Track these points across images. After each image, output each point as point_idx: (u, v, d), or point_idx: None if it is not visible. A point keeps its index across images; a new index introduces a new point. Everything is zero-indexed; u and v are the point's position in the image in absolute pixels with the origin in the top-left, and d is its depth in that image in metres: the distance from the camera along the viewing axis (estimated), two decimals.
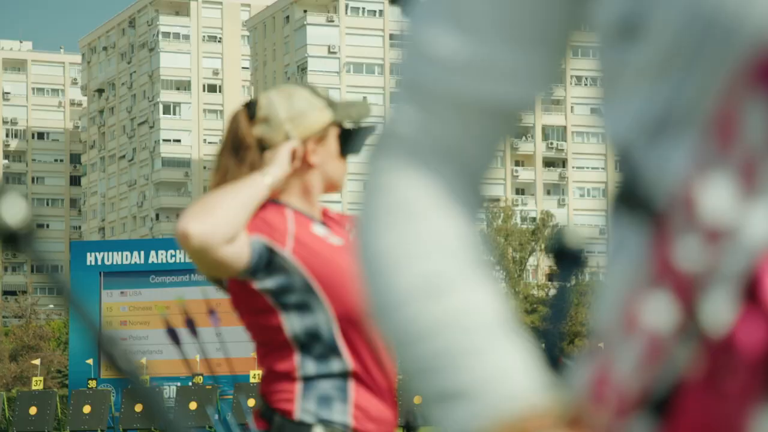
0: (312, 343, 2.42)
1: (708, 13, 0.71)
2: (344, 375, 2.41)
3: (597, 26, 0.85)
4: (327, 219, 2.58)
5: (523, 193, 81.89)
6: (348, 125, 2.54)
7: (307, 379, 2.41)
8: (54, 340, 48.85)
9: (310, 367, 2.41)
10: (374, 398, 2.44)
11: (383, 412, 2.46)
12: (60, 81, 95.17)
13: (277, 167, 2.43)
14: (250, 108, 2.51)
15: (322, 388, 2.41)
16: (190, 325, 3.06)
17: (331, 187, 2.55)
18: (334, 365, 2.41)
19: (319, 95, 2.55)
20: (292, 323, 2.42)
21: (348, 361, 2.41)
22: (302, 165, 2.50)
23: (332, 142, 2.52)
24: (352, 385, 2.42)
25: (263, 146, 2.48)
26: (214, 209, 2.34)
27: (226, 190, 2.39)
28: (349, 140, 2.53)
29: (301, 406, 2.41)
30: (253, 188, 2.39)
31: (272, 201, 2.49)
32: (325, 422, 2.40)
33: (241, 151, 2.47)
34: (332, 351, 2.41)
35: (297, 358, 2.41)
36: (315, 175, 2.52)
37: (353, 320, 2.41)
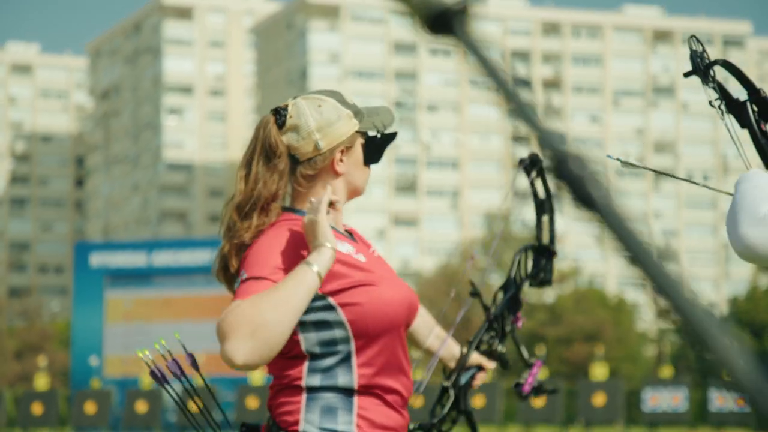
0: (324, 355, 2.39)
1: None
2: (349, 391, 2.39)
3: None
4: (352, 232, 2.57)
5: (521, 199, 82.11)
6: (373, 133, 2.53)
7: (311, 390, 2.39)
8: (58, 341, 49.31)
9: (316, 378, 2.38)
10: (382, 405, 2.42)
11: (391, 418, 2.43)
12: (66, 85, 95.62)
13: (323, 254, 2.32)
14: (279, 115, 2.48)
15: (326, 399, 2.38)
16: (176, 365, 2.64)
17: (354, 193, 2.52)
18: (340, 379, 2.38)
19: (346, 103, 2.54)
20: (308, 338, 2.38)
21: (355, 377, 2.39)
22: (329, 173, 2.48)
23: (358, 150, 2.51)
24: (356, 398, 2.39)
25: (292, 155, 2.47)
26: (263, 329, 2.21)
27: (275, 297, 2.25)
28: (373, 149, 2.52)
29: (305, 417, 2.39)
30: (303, 287, 2.28)
31: (297, 211, 2.49)
32: None
33: (273, 159, 2.44)
34: (342, 365, 2.38)
35: (305, 367, 2.39)
36: (340, 183, 2.49)
37: (372, 335, 2.39)
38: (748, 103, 2.62)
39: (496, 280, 57.91)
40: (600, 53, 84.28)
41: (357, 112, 2.52)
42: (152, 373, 2.51)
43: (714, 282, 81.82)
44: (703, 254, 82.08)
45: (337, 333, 2.37)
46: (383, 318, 2.40)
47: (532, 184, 3.12)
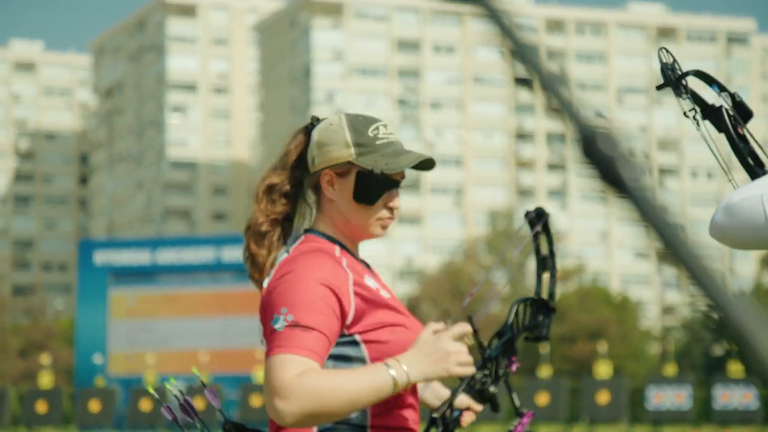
0: None
1: None
2: (361, 428, 2.35)
3: None
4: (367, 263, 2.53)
5: (525, 197, 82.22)
6: (376, 171, 2.40)
7: (324, 429, 2.34)
8: (62, 339, 49.36)
9: None
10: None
11: None
12: (69, 82, 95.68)
13: (413, 370, 2.27)
14: (312, 124, 2.50)
15: None
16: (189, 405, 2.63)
17: (354, 230, 2.42)
18: (354, 415, 2.34)
19: (361, 132, 2.43)
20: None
21: (369, 416, 2.35)
22: (325, 198, 2.44)
23: (350, 182, 2.41)
24: None
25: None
26: (320, 415, 2.20)
27: (346, 393, 2.20)
28: (363, 185, 2.40)
29: None
30: (374, 394, 2.23)
31: (317, 233, 2.44)
32: None
33: (285, 155, 2.48)
34: None
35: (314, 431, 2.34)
36: (335, 211, 2.43)
37: None
38: (724, 109, 2.63)
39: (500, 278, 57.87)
40: (604, 50, 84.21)
41: (365, 145, 2.42)
42: (167, 409, 2.54)
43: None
44: (708, 251, 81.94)
45: (356, 365, 2.34)
46: None
47: (536, 238, 3.03)
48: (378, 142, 2.43)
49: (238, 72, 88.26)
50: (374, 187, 2.40)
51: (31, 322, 54.16)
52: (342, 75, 78.69)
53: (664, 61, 2.67)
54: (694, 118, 2.61)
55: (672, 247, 0.95)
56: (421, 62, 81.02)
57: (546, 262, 3.15)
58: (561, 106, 0.94)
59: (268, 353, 2.23)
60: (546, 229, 3.08)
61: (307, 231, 2.44)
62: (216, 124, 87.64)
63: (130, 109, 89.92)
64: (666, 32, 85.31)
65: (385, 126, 2.47)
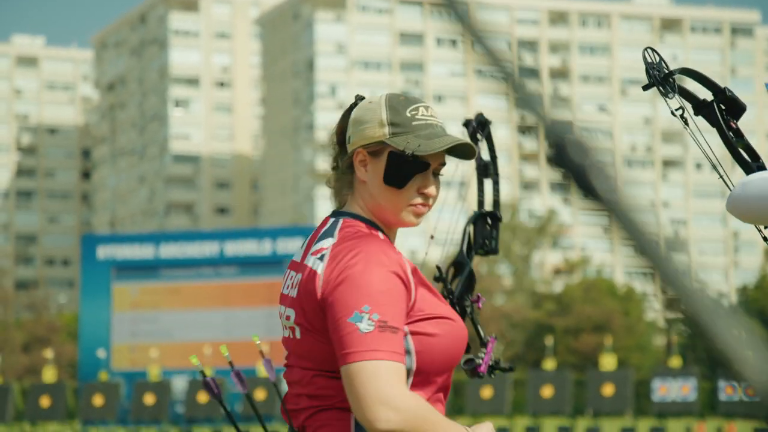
0: None
1: None
2: None
3: None
4: None
5: (528, 190, 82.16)
6: (407, 152, 2.29)
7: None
8: (65, 333, 49.39)
9: None
10: None
11: None
12: (72, 77, 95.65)
13: None
14: (355, 103, 2.43)
15: None
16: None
17: (386, 215, 2.32)
18: None
19: (399, 112, 2.32)
20: None
21: None
22: (356, 178, 2.36)
23: (382, 163, 2.30)
24: None
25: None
26: (419, 431, 2.13)
27: (444, 426, 2.17)
28: (393, 166, 2.29)
29: None
30: None
31: (360, 218, 2.34)
32: None
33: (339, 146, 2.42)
34: None
35: (353, 424, 2.27)
36: (366, 193, 2.34)
37: (434, 372, 2.28)
38: (715, 104, 2.61)
39: (504, 270, 57.83)
40: (607, 42, 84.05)
41: (400, 125, 2.31)
42: (206, 384, 2.87)
43: (723, 271, 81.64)
44: (713, 243, 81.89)
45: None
46: (451, 355, 2.29)
47: (477, 143, 3.06)
48: (415, 123, 2.32)
49: (241, 65, 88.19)
50: (405, 169, 2.29)
51: (34, 316, 54.18)
52: (345, 68, 78.58)
53: (649, 60, 2.65)
54: (681, 116, 2.57)
55: (644, 249, 0.95)
56: (424, 55, 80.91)
57: (488, 168, 3.21)
58: (539, 120, 0.97)
59: (358, 357, 2.12)
60: (488, 137, 3.11)
61: (339, 214, 2.36)
62: (219, 117, 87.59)
63: (133, 104, 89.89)
64: (670, 24, 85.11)
65: (426, 108, 2.35)
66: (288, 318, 2.31)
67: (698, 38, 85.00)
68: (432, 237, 2.89)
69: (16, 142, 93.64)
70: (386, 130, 2.31)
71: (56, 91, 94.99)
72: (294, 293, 2.29)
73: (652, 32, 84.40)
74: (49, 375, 23.29)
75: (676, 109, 2.59)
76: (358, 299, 2.16)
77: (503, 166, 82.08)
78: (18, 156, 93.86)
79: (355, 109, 2.38)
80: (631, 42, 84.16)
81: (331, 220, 2.35)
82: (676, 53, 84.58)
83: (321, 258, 2.25)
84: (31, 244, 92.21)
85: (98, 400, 21.53)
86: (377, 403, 2.09)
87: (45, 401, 22.18)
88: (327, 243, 2.27)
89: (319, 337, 2.24)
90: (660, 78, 2.59)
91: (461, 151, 2.36)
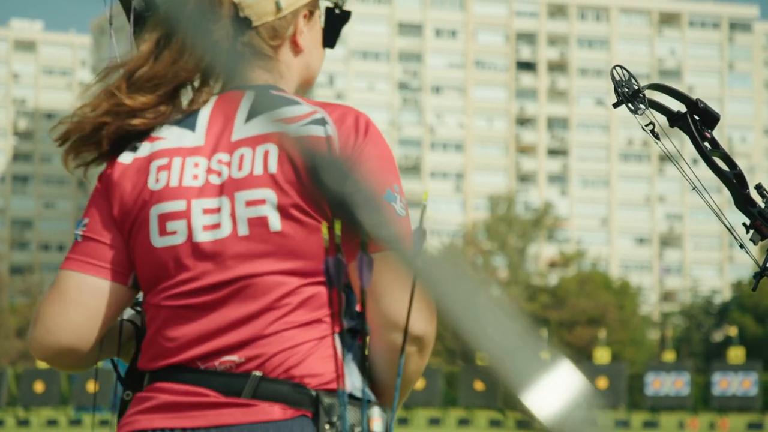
0: None
1: None
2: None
3: None
4: None
5: (525, 182, 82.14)
6: (332, 3, 1.90)
7: None
8: None
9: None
10: None
11: None
12: (69, 62, 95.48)
13: None
14: None
15: None
16: None
17: (307, 84, 1.88)
18: None
19: None
20: None
21: None
22: (287, 51, 1.84)
23: (318, 23, 1.88)
24: None
25: (243, 17, 1.81)
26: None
27: None
28: (331, 25, 1.89)
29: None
30: None
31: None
32: None
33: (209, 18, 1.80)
34: None
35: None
36: (298, 65, 1.85)
37: None
38: (688, 115, 2.66)
39: (500, 262, 57.81)
40: (606, 35, 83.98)
41: None
42: None
43: (718, 266, 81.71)
44: (708, 239, 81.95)
45: None
46: None
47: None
48: None
49: None
50: (338, 25, 1.89)
51: (28, 301, 54.17)
52: (343, 58, 78.45)
53: (618, 78, 2.66)
54: (652, 132, 2.61)
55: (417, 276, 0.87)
56: (422, 46, 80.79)
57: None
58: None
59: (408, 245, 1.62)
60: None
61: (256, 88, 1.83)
62: None
63: None
64: (668, 18, 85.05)
65: None
66: (252, 204, 1.70)
67: (696, 33, 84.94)
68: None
69: (13, 127, 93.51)
70: None
71: (54, 76, 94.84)
72: (260, 171, 1.70)
73: (651, 26, 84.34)
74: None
75: (647, 125, 2.63)
76: (388, 175, 1.72)
77: (498, 157, 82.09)
78: (15, 141, 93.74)
79: None
80: (630, 36, 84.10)
81: (253, 93, 1.80)
82: (674, 47, 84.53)
83: (318, 122, 1.71)
84: (27, 229, 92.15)
85: (92, 386, 21.52)
86: (424, 301, 1.65)
87: (39, 386, 22.13)
88: (303, 109, 1.73)
89: (315, 225, 1.68)
90: (629, 95, 2.62)
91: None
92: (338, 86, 77.56)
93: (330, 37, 1.88)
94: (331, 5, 1.88)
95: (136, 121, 1.82)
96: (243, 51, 1.80)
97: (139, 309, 1.86)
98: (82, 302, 1.78)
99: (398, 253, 0.84)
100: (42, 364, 23.53)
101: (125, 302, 1.79)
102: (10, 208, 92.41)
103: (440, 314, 0.91)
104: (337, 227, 1.63)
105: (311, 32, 1.85)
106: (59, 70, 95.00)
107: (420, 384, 20.04)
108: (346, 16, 1.89)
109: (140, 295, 1.82)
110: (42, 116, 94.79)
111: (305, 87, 1.87)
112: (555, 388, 0.89)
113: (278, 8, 1.80)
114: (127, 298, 1.79)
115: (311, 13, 1.85)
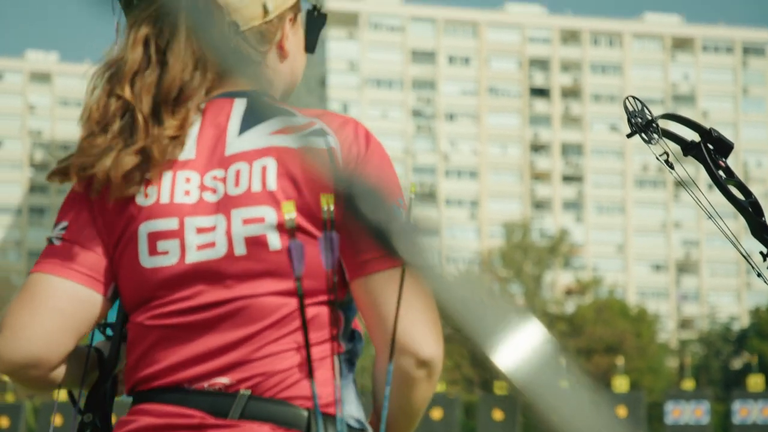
0: None
1: None
2: None
3: None
4: None
5: (540, 209, 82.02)
6: (319, 6, 1.83)
7: None
8: None
9: None
10: None
11: None
12: (85, 93, 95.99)
13: None
14: None
15: None
16: None
17: (289, 91, 1.87)
18: None
19: None
20: None
21: None
22: (273, 56, 1.77)
23: (301, 27, 1.80)
24: None
25: (227, 17, 1.73)
26: None
27: None
28: (313, 28, 1.82)
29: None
30: None
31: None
32: None
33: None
34: None
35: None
36: (284, 71, 1.81)
37: None
38: (702, 144, 2.67)
39: (516, 290, 57.74)
40: (619, 61, 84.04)
41: None
42: None
43: (736, 293, 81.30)
44: (725, 265, 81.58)
45: None
46: None
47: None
48: None
49: None
50: (319, 28, 1.81)
51: None
52: (357, 86, 78.71)
53: (631, 109, 2.66)
54: (666, 161, 2.60)
55: (443, 304, 0.89)
56: (436, 73, 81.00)
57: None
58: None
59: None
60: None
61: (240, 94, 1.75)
62: None
63: None
64: (682, 43, 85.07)
65: None
66: (249, 222, 1.61)
67: (710, 57, 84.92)
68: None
69: (29, 159, 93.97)
70: None
71: (69, 107, 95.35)
72: (258, 187, 1.61)
73: (664, 51, 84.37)
74: (61, 392, 23.28)
75: (660, 155, 2.62)
76: (393, 188, 1.68)
77: (513, 184, 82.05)
78: (31, 172, 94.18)
79: None
80: (643, 61, 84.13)
81: (243, 101, 1.72)
82: (687, 72, 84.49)
83: (318, 134, 1.67)
84: None
85: (58, 420, 21.46)
86: (433, 323, 1.60)
87: (57, 420, 22.12)
88: (300, 120, 1.71)
89: (314, 242, 1.61)
90: (642, 125, 2.62)
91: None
92: (352, 114, 77.52)
93: (311, 42, 1.80)
94: (310, 8, 1.80)
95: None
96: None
97: (109, 332, 1.74)
98: (58, 308, 1.64)
99: (421, 270, 0.85)
100: (59, 397, 23.52)
101: (101, 314, 1.67)
102: (26, 239, 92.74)
103: (461, 331, 0.90)
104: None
105: (295, 37, 1.78)
106: (75, 101, 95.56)
107: (437, 414, 19.95)
108: (324, 19, 1.82)
109: (110, 316, 1.72)
110: (58, 147, 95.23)
111: (288, 94, 1.82)
112: (521, 344, 0.88)
113: (266, 11, 1.72)
114: (104, 310, 1.68)
115: (296, 17, 1.78)
